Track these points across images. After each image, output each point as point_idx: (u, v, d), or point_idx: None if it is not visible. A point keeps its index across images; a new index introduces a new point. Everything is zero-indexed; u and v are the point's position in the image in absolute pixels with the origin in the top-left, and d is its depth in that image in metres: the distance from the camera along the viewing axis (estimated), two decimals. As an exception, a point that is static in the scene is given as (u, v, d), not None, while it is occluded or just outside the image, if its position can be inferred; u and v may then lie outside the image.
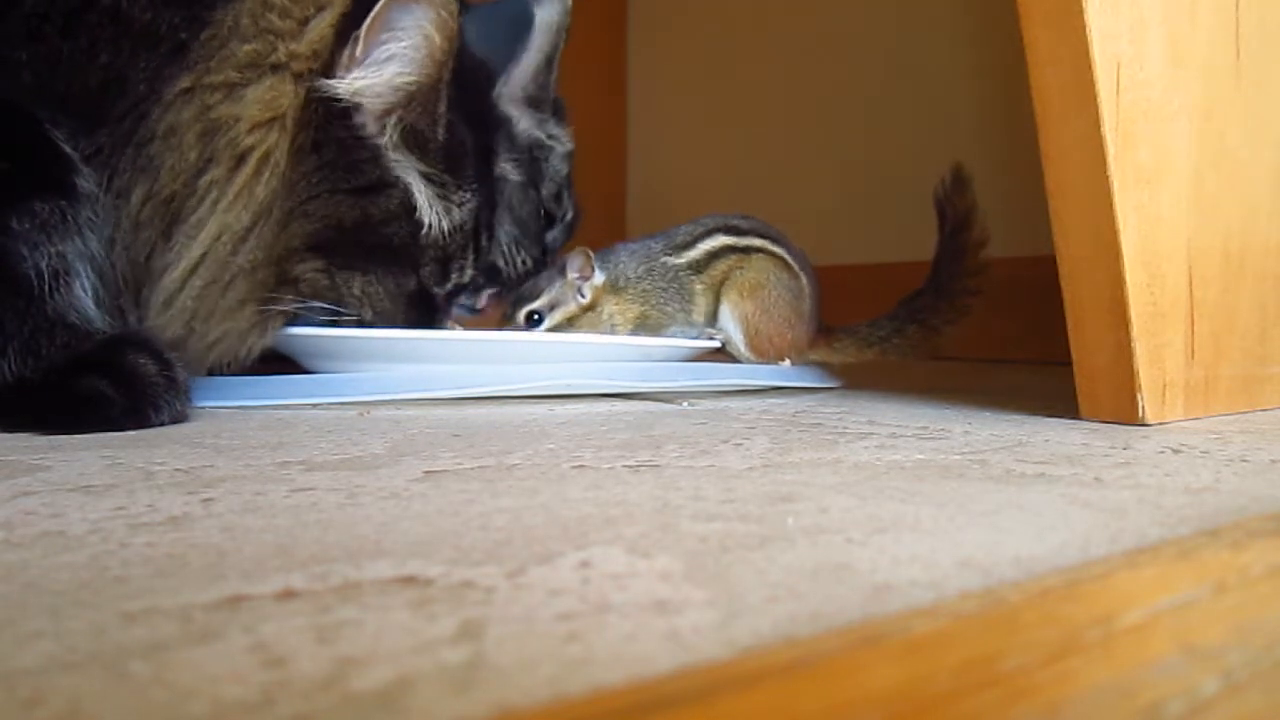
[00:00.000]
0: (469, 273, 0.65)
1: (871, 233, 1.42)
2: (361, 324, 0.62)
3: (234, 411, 0.57)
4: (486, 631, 0.19)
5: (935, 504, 0.32)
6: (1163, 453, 0.43)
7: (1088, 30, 0.50)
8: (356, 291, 0.61)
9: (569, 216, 0.74)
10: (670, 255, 0.71)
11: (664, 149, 1.80)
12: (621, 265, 0.71)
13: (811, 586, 0.23)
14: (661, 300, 0.71)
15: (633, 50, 1.85)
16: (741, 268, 0.71)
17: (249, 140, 0.55)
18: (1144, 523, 0.30)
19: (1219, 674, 0.18)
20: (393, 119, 0.58)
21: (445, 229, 0.62)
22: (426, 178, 0.60)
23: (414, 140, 0.59)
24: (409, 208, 0.60)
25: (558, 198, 0.72)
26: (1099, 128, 0.50)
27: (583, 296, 0.70)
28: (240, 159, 0.55)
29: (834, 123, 1.50)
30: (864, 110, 1.46)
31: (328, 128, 0.57)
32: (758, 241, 0.72)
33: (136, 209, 0.54)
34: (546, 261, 0.72)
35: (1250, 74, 0.57)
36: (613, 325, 0.71)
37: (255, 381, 0.60)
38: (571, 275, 0.69)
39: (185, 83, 0.54)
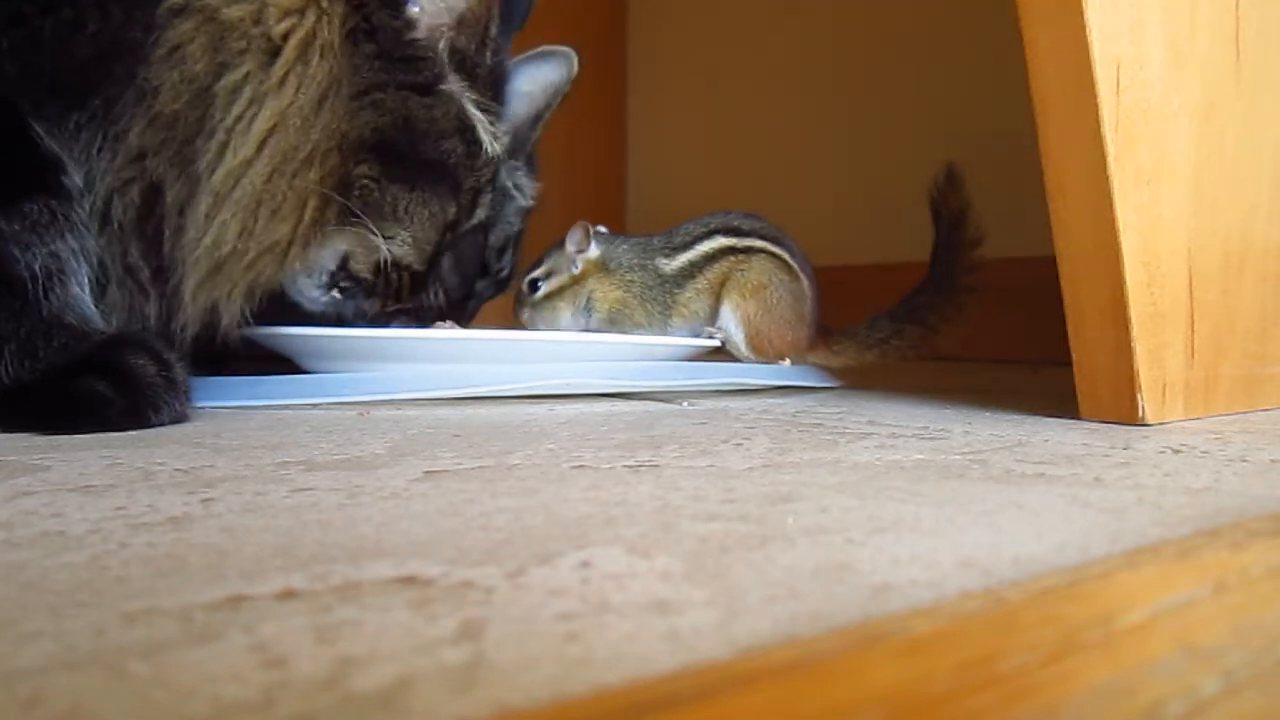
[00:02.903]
0: (481, 213, 0.66)
1: (872, 233, 1.42)
2: (374, 279, 0.62)
3: (234, 411, 0.57)
4: (486, 631, 0.19)
5: (935, 504, 0.32)
6: (1163, 453, 0.43)
7: (1088, 30, 0.50)
8: (401, 210, 0.60)
9: (504, 274, 0.74)
10: (665, 258, 0.72)
11: (664, 149, 1.80)
12: (619, 250, 0.72)
13: (811, 586, 0.23)
14: (643, 297, 0.71)
15: (632, 50, 1.85)
16: (743, 269, 0.71)
17: (282, 26, 0.54)
18: (1144, 523, 0.30)
19: (1219, 674, 0.18)
20: (443, 32, 0.58)
21: (488, 155, 0.62)
22: (475, 103, 0.61)
23: (463, 63, 0.60)
24: (463, 125, 0.60)
25: (501, 250, 0.73)
26: (1099, 128, 0.50)
27: (575, 268, 0.71)
28: (275, 50, 0.54)
29: (834, 122, 1.50)
30: (864, 110, 1.46)
31: (379, 14, 0.56)
32: (759, 243, 0.72)
33: (135, 141, 0.53)
34: (466, 307, 0.72)
35: (1250, 74, 0.57)
36: (589, 304, 0.72)
37: (255, 381, 0.60)
38: (570, 247, 0.71)
39: (175, 1, 0.53)
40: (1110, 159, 0.50)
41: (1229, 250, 0.57)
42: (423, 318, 0.69)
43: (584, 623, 0.20)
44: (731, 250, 0.71)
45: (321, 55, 0.55)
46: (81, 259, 0.52)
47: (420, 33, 0.58)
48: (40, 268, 0.50)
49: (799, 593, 0.22)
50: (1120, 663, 0.19)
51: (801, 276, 0.72)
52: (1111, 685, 0.18)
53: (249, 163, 0.55)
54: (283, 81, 0.54)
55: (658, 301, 0.71)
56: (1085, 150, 0.51)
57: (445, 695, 0.16)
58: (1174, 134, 0.54)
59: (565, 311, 0.72)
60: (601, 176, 1.81)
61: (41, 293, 0.50)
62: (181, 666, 0.17)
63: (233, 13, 0.53)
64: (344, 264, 0.62)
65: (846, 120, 1.49)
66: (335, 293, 0.64)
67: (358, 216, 0.59)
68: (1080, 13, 0.50)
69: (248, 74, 0.54)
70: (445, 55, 0.59)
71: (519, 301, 0.73)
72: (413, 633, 0.19)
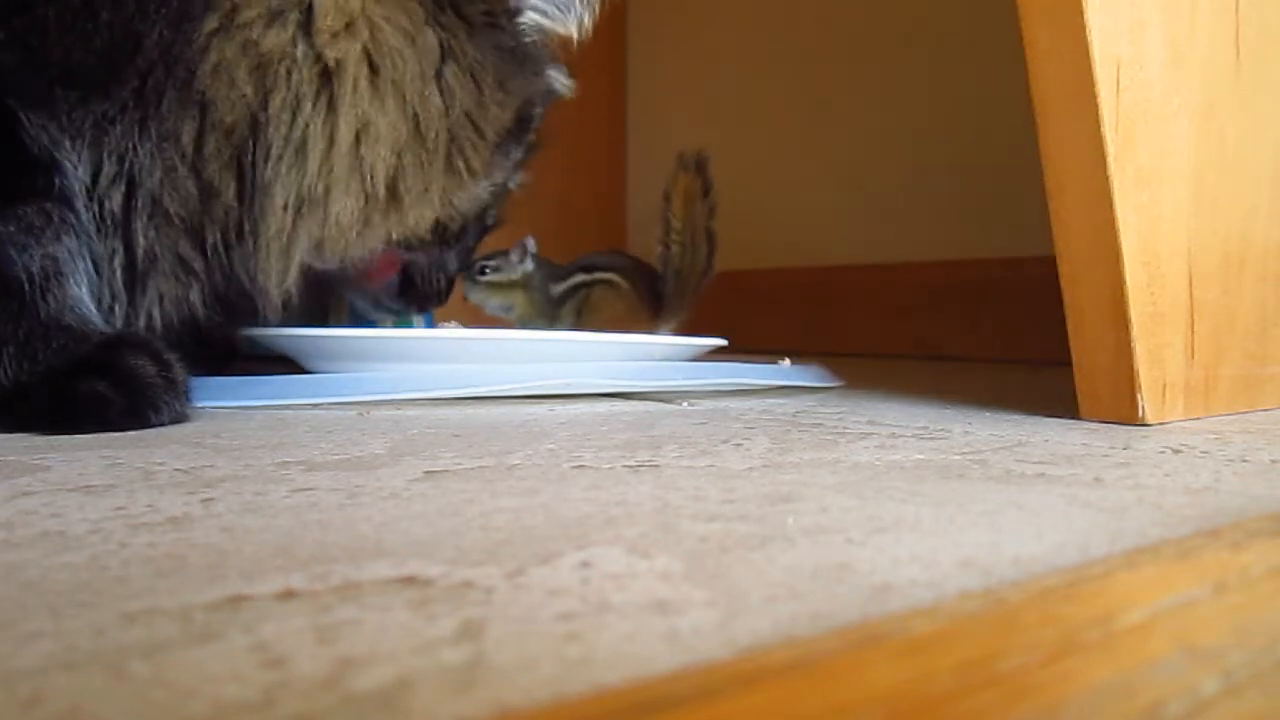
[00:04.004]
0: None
1: (872, 233, 1.42)
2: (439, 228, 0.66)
3: (234, 411, 0.57)
4: (486, 631, 0.19)
5: (935, 504, 0.32)
6: (1163, 453, 0.43)
7: (1088, 30, 0.50)
8: (499, 158, 0.65)
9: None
10: (553, 283, 0.94)
11: (664, 149, 1.80)
12: (537, 271, 0.95)
13: (811, 586, 0.23)
14: (540, 309, 0.94)
15: (632, 50, 1.85)
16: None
17: (332, 54, 0.56)
18: (1144, 523, 0.30)
19: (1219, 674, 0.18)
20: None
21: (552, 94, 0.69)
22: (554, 66, 0.68)
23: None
24: (547, 88, 0.67)
25: (488, 229, 0.78)
26: (1099, 128, 0.50)
27: (514, 273, 0.93)
28: (327, 72, 0.56)
29: (834, 123, 1.50)
30: (864, 111, 1.46)
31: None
32: (603, 275, 0.94)
33: (189, 143, 0.55)
34: (446, 294, 0.76)
35: (1250, 74, 0.57)
36: (511, 304, 0.94)
37: (255, 381, 0.60)
38: (513, 256, 0.93)
39: (212, 24, 0.54)
40: (1110, 159, 0.50)
41: (1229, 250, 0.57)
42: (425, 306, 0.73)
43: (584, 623, 0.20)
44: (585, 284, 0.94)
45: (395, 64, 0.57)
46: (80, 259, 0.52)
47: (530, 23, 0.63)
48: (38, 270, 0.50)
49: (799, 593, 0.22)
50: (1120, 663, 0.19)
51: (630, 289, 0.94)
52: (1111, 685, 0.18)
53: (389, 136, 0.58)
54: (354, 92, 0.57)
55: (544, 313, 0.94)
56: (1085, 150, 0.51)
57: (445, 695, 0.16)
58: (1174, 134, 0.54)
59: (495, 300, 0.94)
60: (601, 176, 1.81)
61: (39, 295, 0.50)
62: (181, 666, 0.17)
63: (270, 41, 0.55)
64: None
65: (846, 121, 1.49)
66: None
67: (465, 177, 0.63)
68: (1080, 13, 0.50)
69: (304, 92, 0.56)
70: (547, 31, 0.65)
71: (467, 278, 0.92)
72: (413, 633, 0.19)
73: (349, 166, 0.57)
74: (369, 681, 0.17)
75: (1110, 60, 0.51)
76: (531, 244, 0.96)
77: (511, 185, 0.75)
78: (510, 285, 0.94)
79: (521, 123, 0.66)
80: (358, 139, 0.57)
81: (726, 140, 1.66)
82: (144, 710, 0.16)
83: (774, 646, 0.19)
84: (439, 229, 0.66)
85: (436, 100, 0.59)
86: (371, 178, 0.58)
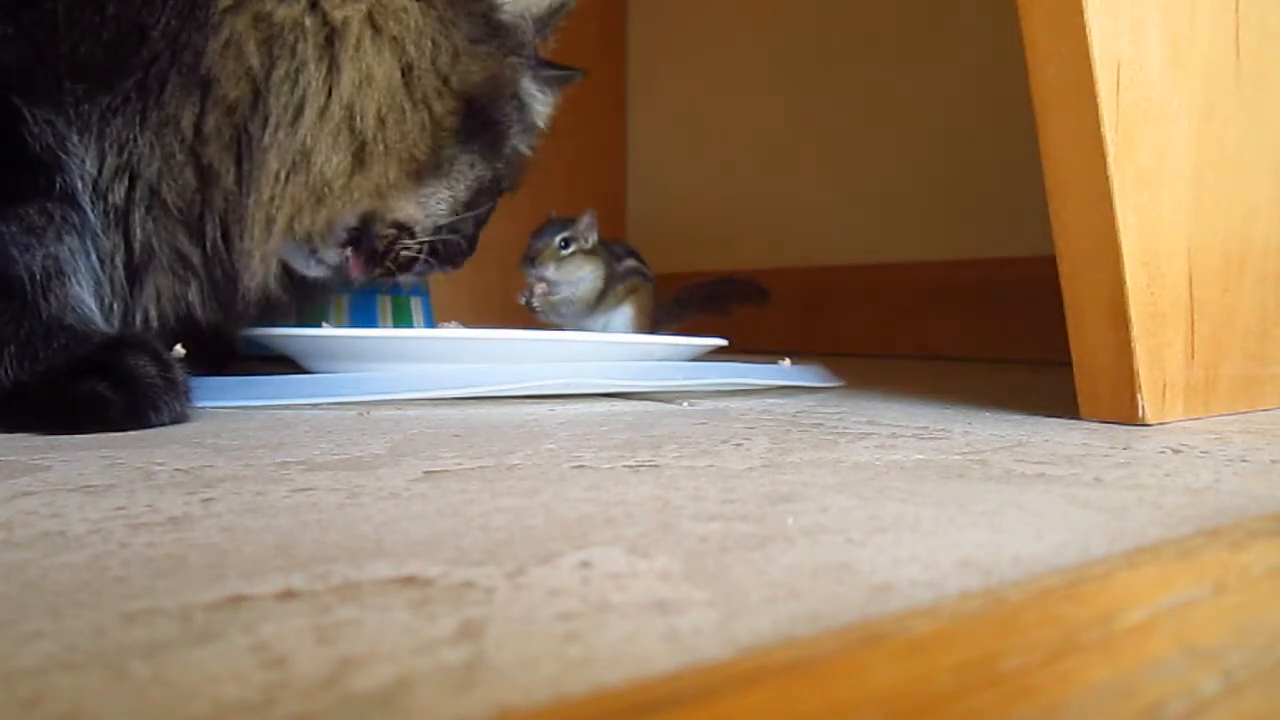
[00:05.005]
0: (506, 183, 0.71)
1: (871, 233, 1.42)
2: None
3: (234, 411, 0.57)
4: (486, 631, 0.19)
5: (935, 504, 0.32)
6: (1163, 453, 0.43)
7: (1088, 30, 0.50)
8: (454, 167, 0.64)
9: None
10: (614, 260, 0.95)
11: (664, 149, 1.80)
12: (599, 243, 0.95)
13: (811, 586, 0.23)
14: (606, 278, 0.93)
15: (632, 50, 1.85)
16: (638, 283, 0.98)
17: (340, 14, 0.56)
18: (1144, 523, 0.30)
19: (1219, 674, 0.18)
20: (523, 13, 0.64)
21: (532, 125, 0.68)
22: (532, 77, 0.67)
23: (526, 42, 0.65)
24: (516, 92, 0.65)
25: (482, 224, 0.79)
26: (1099, 128, 0.50)
27: (587, 243, 0.92)
28: (333, 35, 0.57)
29: (835, 122, 1.50)
30: (865, 110, 1.46)
31: None
32: (642, 267, 0.99)
33: (189, 127, 0.55)
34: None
35: (1250, 74, 0.57)
36: (592, 271, 0.92)
37: (255, 381, 0.60)
38: (582, 225, 0.91)
39: (226, 1, 0.54)
40: (1110, 159, 0.50)
41: (1229, 250, 0.57)
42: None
43: (584, 623, 0.20)
44: (636, 270, 0.97)
45: (398, 19, 0.58)
46: (82, 258, 0.52)
47: (509, 5, 0.63)
48: (39, 269, 0.50)
49: (799, 593, 0.22)
50: (1120, 663, 0.19)
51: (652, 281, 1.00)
52: (1111, 685, 0.18)
53: (354, 112, 0.58)
54: (356, 49, 0.57)
55: (611, 289, 0.94)
56: (1085, 150, 0.51)
57: (445, 695, 0.16)
58: (1174, 134, 0.54)
59: (579, 270, 0.91)
60: (601, 176, 1.80)
61: (40, 294, 0.50)
62: (181, 666, 0.17)
63: (283, 12, 0.55)
64: (366, 224, 0.63)
65: (847, 120, 1.49)
66: (336, 254, 0.64)
67: (422, 168, 0.62)
68: (1080, 13, 0.50)
69: (308, 57, 0.56)
70: (528, 26, 0.64)
71: (540, 256, 0.89)
72: (413, 633, 0.19)
73: (343, 118, 0.57)
74: (369, 681, 0.17)
75: (1110, 60, 0.51)
76: (592, 216, 0.94)
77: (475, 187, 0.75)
78: (588, 254, 0.92)
79: (491, 122, 0.64)
80: (358, 89, 0.57)
81: (726, 141, 1.66)
82: (144, 710, 0.16)
83: (774, 646, 0.19)
84: (399, 237, 0.65)
85: (427, 53, 0.59)
86: (361, 118, 0.58)
